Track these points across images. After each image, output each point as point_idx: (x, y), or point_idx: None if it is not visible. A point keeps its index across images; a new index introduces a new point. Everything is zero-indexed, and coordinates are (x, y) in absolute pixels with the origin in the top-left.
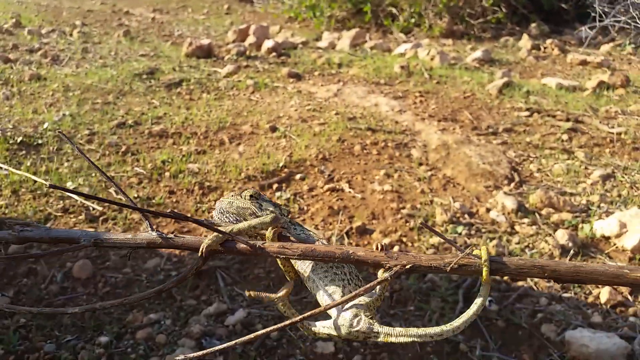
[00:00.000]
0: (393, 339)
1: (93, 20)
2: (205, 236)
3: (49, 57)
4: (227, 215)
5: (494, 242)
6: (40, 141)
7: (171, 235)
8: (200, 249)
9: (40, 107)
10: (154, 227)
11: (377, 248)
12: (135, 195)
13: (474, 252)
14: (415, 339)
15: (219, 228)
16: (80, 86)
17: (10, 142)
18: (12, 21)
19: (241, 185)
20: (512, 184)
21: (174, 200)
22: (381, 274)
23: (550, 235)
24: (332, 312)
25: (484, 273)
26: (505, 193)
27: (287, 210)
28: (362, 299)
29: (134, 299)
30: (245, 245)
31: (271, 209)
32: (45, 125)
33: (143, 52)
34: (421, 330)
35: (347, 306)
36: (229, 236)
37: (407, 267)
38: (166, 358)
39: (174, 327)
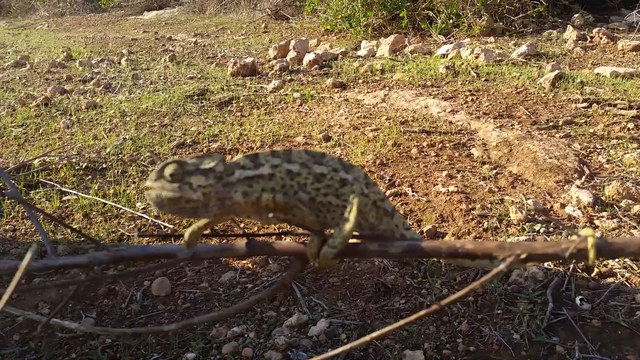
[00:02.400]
0: None
1: (138, 48)
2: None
3: (101, 85)
4: (168, 207)
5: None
6: (104, 165)
7: (269, 241)
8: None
9: (100, 133)
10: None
11: None
12: None
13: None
14: None
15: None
16: (136, 111)
17: (77, 167)
18: (63, 55)
19: None
20: (583, 177)
21: (238, 219)
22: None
23: (635, 227)
24: None
25: (591, 255)
26: (578, 187)
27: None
28: None
29: (233, 310)
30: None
31: (202, 183)
32: (107, 150)
33: (190, 75)
34: None
35: None
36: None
37: (522, 256)
38: None
39: (258, 339)
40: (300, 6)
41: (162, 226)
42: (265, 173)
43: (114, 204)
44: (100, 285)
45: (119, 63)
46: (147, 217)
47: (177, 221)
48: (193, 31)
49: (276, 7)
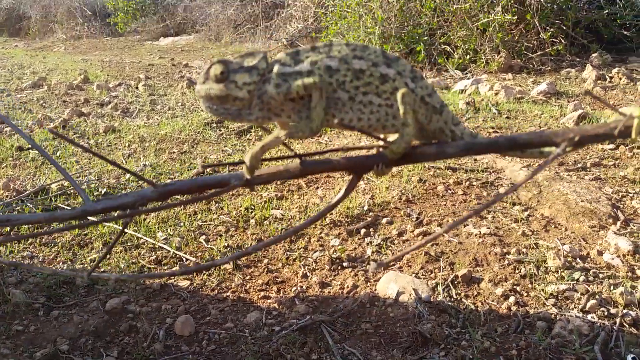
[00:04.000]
0: None
1: (155, 73)
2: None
3: (119, 109)
4: (215, 105)
5: (619, 289)
6: (123, 192)
7: (314, 159)
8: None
9: (119, 158)
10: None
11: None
12: (226, 245)
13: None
14: None
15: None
16: (155, 137)
17: (95, 193)
18: (80, 77)
19: (327, 231)
20: (619, 223)
21: (263, 248)
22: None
23: None
24: None
25: (635, 128)
26: (615, 233)
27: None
28: None
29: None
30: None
31: (247, 80)
32: (127, 176)
33: None
34: None
35: None
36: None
37: (576, 139)
38: None
39: None
40: (316, 37)
41: (185, 259)
42: (303, 70)
43: (134, 232)
44: (121, 322)
45: (137, 88)
46: (168, 249)
47: (199, 254)
48: (209, 58)
49: (292, 37)
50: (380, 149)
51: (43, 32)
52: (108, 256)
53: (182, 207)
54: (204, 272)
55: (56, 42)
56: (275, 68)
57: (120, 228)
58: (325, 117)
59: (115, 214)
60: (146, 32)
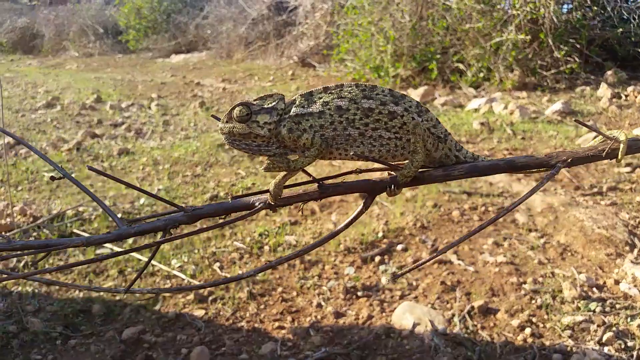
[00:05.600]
0: None
1: (168, 92)
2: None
3: (132, 130)
4: (237, 142)
5: (636, 321)
6: (138, 217)
7: (331, 182)
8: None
9: (133, 181)
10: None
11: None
12: (240, 272)
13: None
14: None
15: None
16: (169, 159)
17: (109, 219)
18: (93, 97)
19: (342, 258)
20: (636, 251)
21: (277, 276)
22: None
23: None
24: None
25: (621, 151)
26: (632, 262)
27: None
28: None
29: None
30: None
31: (267, 120)
32: (141, 201)
33: None
34: None
35: None
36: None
37: (569, 160)
38: None
39: None
40: (328, 54)
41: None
42: (315, 111)
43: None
44: (138, 351)
45: (149, 108)
46: (183, 277)
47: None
48: (221, 76)
49: (303, 54)
50: (392, 172)
51: (56, 50)
52: (124, 283)
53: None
54: (219, 301)
55: (69, 60)
56: (292, 110)
57: (140, 257)
58: (338, 152)
59: (149, 239)
60: (158, 50)
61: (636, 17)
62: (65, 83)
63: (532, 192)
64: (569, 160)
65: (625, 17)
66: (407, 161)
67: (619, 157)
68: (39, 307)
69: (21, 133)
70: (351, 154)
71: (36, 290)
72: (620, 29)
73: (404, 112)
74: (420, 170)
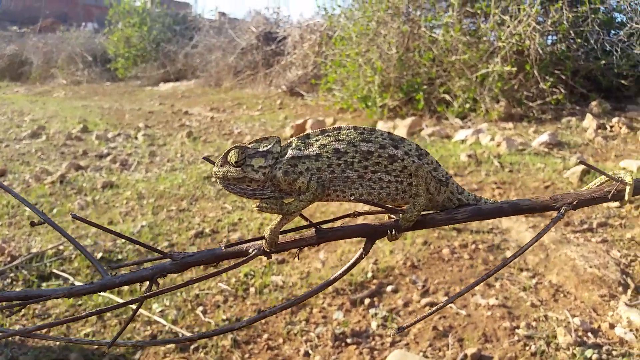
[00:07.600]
0: None
1: (155, 121)
2: None
3: (117, 162)
4: (231, 185)
5: None
6: (120, 256)
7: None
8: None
9: (116, 216)
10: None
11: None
12: (224, 317)
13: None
14: None
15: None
16: (153, 193)
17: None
18: (79, 126)
19: (330, 301)
20: (629, 292)
21: (263, 321)
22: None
23: None
24: None
25: (628, 192)
26: (626, 304)
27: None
28: None
29: None
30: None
31: (262, 164)
32: (123, 240)
33: (207, 152)
34: None
35: None
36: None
37: (574, 203)
38: None
39: None
40: (316, 84)
41: (181, 333)
42: (312, 153)
43: (130, 304)
44: None
45: (136, 138)
46: (164, 323)
47: (197, 329)
48: (209, 105)
49: (292, 84)
50: (392, 216)
51: (44, 77)
52: (102, 329)
53: (181, 274)
54: (201, 350)
55: (56, 87)
56: (289, 153)
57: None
58: (335, 194)
59: (134, 296)
60: (146, 78)
61: (618, 50)
62: (52, 111)
63: (538, 237)
64: (574, 203)
65: (607, 49)
66: (407, 205)
67: (626, 199)
68: (12, 357)
69: (4, 164)
70: (350, 196)
71: (9, 339)
72: (603, 61)
73: (404, 156)
74: (422, 213)
